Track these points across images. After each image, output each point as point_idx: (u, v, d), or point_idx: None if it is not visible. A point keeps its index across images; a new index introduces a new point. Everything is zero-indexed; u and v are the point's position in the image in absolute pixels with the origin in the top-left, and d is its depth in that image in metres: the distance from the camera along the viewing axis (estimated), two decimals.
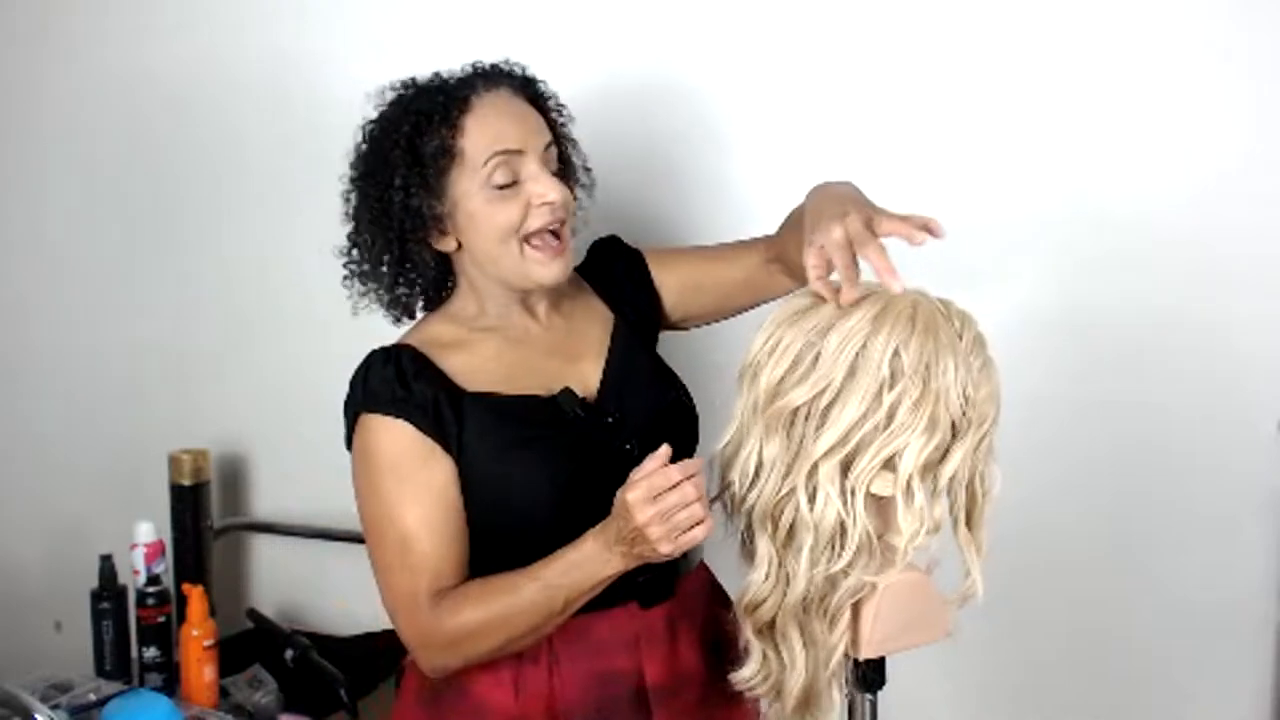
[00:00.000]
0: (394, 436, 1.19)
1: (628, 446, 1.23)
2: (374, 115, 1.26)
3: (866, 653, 1.04)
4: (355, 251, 1.28)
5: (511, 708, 1.22)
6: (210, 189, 2.16)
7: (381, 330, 1.30)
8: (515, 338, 1.28)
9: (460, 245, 1.25)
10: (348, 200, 1.28)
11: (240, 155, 2.13)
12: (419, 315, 1.33)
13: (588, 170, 1.34)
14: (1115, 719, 1.68)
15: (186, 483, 2.01)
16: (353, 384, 1.23)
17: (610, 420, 1.25)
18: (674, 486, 1.05)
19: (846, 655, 1.07)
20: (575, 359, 1.30)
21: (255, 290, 2.14)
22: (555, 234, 1.23)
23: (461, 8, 1.87)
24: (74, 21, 2.21)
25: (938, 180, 1.66)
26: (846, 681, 1.09)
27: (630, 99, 1.74)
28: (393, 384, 1.19)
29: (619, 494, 1.09)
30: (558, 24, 1.81)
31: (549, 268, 1.22)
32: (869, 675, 1.08)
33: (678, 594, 1.26)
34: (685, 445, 1.29)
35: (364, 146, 1.26)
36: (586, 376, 1.28)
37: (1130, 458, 1.63)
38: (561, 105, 1.31)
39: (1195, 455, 1.60)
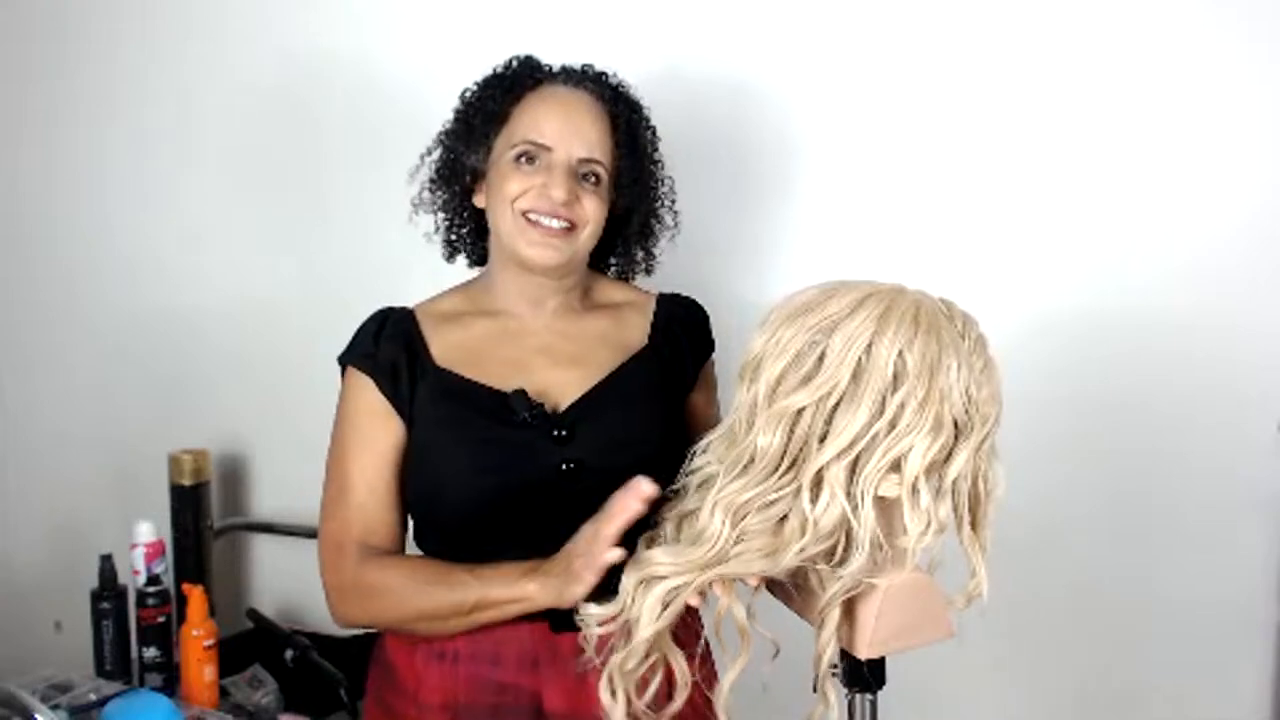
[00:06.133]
0: (358, 389, 1.26)
1: (567, 466, 1.22)
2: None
3: (868, 653, 1.04)
4: (425, 186, 1.36)
5: (415, 689, 1.25)
6: (211, 195, 2.17)
7: None
8: (511, 328, 1.30)
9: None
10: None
11: (245, 161, 2.13)
12: (470, 270, 1.39)
13: (674, 212, 1.38)
14: (1116, 719, 1.68)
15: (186, 483, 2.01)
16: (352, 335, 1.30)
17: (558, 434, 1.23)
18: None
19: (844, 653, 1.07)
20: (565, 365, 1.28)
21: (256, 291, 2.14)
22: (570, 226, 1.24)
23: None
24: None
25: (951, 182, 1.67)
26: (843, 681, 1.09)
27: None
28: (369, 340, 1.27)
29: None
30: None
31: (535, 249, 1.24)
32: (869, 675, 1.08)
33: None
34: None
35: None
36: (568, 384, 1.27)
37: (1130, 459, 1.63)
38: (654, 138, 1.34)
39: (1195, 456, 1.60)
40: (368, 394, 1.25)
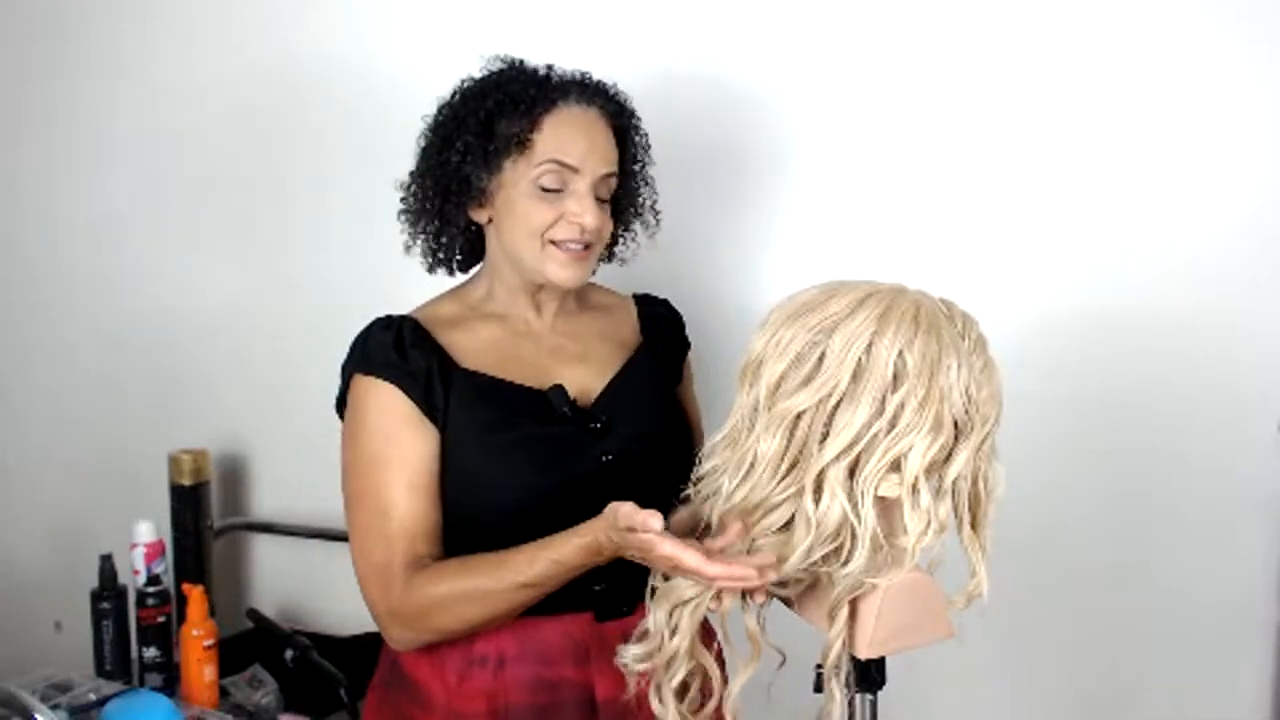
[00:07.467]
0: (385, 400, 1.21)
1: (606, 458, 1.24)
2: (475, 77, 1.30)
3: (868, 652, 1.04)
4: (409, 192, 1.32)
5: (450, 698, 1.22)
6: (212, 194, 2.17)
7: None
8: (517, 329, 1.30)
9: (492, 220, 1.28)
10: (419, 142, 1.31)
11: (245, 160, 2.13)
12: (455, 276, 1.36)
13: (655, 212, 1.38)
14: (1115, 719, 1.68)
15: (186, 483, 2.01)
16: (352, 346, 1.26)
17: (595, 426, 1.25)
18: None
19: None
20: (575, 363, 1.31)
21: (255, 291, 2.14)
22: (589, 244, 1.25)
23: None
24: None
25: (950, 182, 1.66)
26: (846, 681, 1.09)
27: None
28: (389, 349, 1.22)
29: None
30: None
31: (566, 270, 1.25)
32: (869, 675, 1.08)
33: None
34: (669, 478, 1.17)
35: (453, 100, 1.29)
36: (584, 381, 1.29)
37: (1130, 459, 1.63)
38: (647, 145, 1.35)
39: (1195, 456, 1.60)
40: (398, 404, 1.21)
